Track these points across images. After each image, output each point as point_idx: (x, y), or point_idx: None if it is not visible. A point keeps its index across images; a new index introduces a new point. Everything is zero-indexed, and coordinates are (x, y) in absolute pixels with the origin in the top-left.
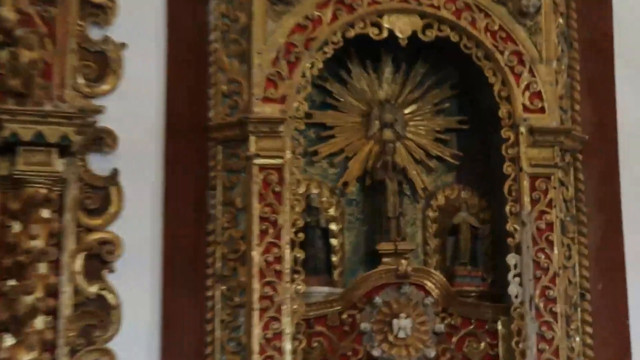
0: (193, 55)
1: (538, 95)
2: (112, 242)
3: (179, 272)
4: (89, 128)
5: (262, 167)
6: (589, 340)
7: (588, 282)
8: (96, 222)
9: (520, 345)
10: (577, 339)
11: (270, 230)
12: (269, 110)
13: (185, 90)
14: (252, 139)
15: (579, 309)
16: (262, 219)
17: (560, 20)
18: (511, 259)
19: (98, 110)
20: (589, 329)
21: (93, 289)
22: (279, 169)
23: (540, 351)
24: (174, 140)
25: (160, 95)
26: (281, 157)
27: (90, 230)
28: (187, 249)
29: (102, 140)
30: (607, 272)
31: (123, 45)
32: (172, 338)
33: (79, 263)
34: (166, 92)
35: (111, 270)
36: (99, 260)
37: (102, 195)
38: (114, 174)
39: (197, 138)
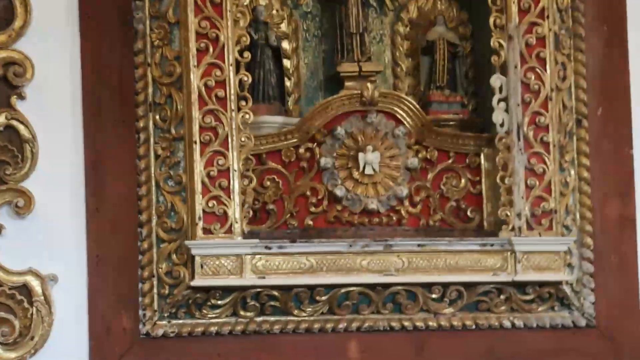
0: None
1: None
2: (20, 62)
3: (103, 100)
4: None
5: None
6: (585, 174)
7: (586, 106)
8: None
9: (507, 181)
10: (572, 172)
11: (211, 49)
12: None
13: None
14: None
15: (574, 138)
16: (200, 35)
17: None
18: (496, 80)
19: None
20: (585, 161)
21: (0, 118)
22: None
23: (529, 187)
24: None
25: None
26: None
27: None
28: (111, 72)
29: None
30: (608, 94)
31: None
32: (99, 178)
33: None
34: None
35: (21, 97)
36: (6, 84)
37: (3, 6)
38: None
39: None
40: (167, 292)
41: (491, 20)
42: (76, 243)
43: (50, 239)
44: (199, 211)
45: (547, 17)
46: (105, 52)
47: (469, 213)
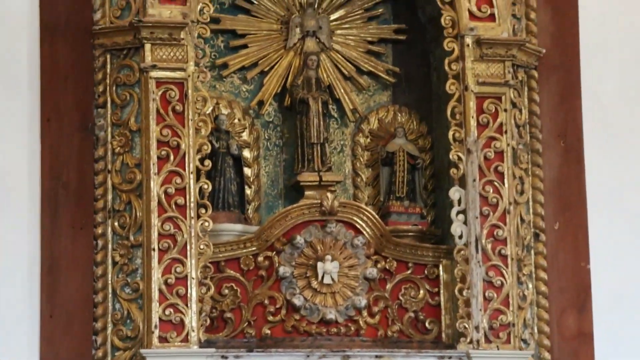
0: None
1: None
2: None
3: (61, 205)
4: None
5: (160, 82)
6: (543, 288)
7: (543, 220)
8: None
9: (465, 293)
10: (530, 286)
11: (171, 157)
12: (167, 12)
13: None
14: (148, 47)
15: (532, 252)
16: (161, 143)
17: None
18: (454, 193)
19: None
20: (543, 275)
21: None
22: (180, 83)
23: (487, 300)
24: (51, 47)
25: None
26: (183, 70)
27: None
28: (71, 177)
29: None
30: (565, 208)
31: None
32: (55, 283)
33: None
34: None
35: None
36: None
37: None
38: None
39: (80, 44)
40: None
41: (450, 133)
42: (29, 350)
43: (2, 345)
44: (155, 319)
45: (506, 132)
46: (65, 159)
47: (427, 324)
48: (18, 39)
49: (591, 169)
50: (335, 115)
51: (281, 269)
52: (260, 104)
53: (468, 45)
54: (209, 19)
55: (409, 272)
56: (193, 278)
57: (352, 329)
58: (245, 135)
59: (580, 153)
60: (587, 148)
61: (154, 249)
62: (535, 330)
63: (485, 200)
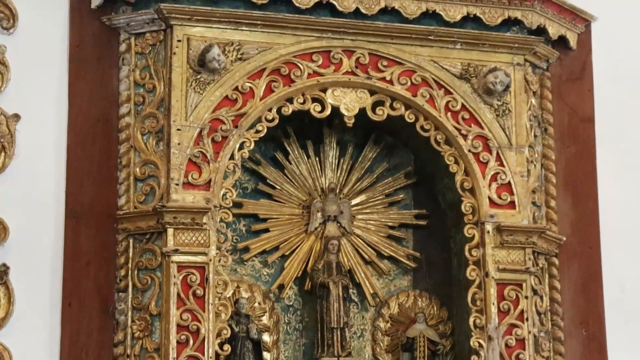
0: (100, 131)
1: (507, 187)
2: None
3: None
4: None
5: (182, 266)
6: None
7: None
8: None
9: None
10: None
11: (191, 342)
12: (191, 198)
13: (89, 172)
14: (170, 231)
15: None
16: (181, 327)
17: (533, 101)
18: None
19: None
20: None
21: None
22: (201, 268)
23: None
24: (75, 232)
25: (59, 177)
26: (204, 254)
27: None
28: None
29: None
30: None
31: (15, 117)
32: None
33: None
34: (66, 174)
35: None
36: None
37: None
38: (3, 270)
39: (104, 229)
40: None
41: (471, 320)
42: None
43: None
44: None
45: (527, 319)
46: (84, 344)
47: None
48: (43, 224)
49: (614, 358)
50: (356, 300)
51: None
52: (281, 287)
53: (488, 232)
54: (231, 204)
55: None
56: None
57: None
58: (265, 319)
59: (603, 342)
60: (610, 337)
61: None
62: None
63: None
